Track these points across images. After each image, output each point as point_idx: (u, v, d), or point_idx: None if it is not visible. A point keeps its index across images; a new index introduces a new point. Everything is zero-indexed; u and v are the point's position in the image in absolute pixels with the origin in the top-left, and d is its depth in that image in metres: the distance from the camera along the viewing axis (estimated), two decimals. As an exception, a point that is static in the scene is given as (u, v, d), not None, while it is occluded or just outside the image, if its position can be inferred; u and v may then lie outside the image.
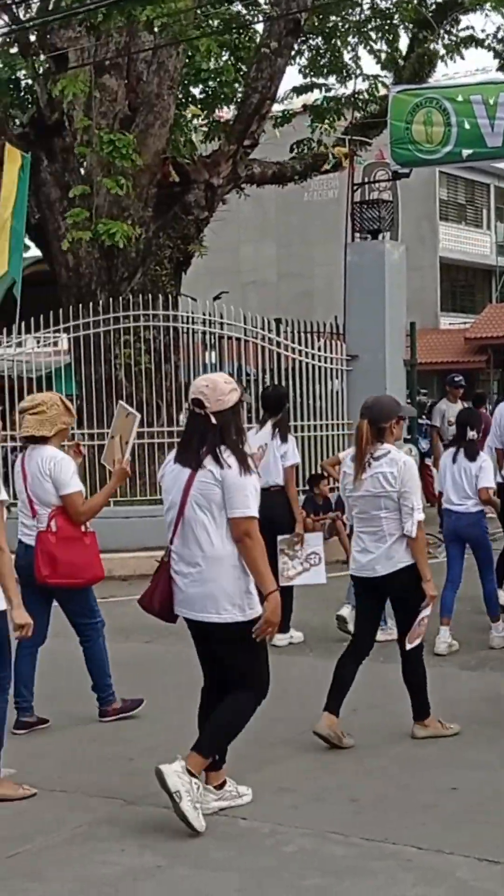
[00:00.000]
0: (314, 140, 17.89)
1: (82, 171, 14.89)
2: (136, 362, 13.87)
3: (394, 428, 6.37)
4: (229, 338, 14.53)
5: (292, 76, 67.23)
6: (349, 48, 18.05)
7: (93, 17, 13.31)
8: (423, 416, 17.97)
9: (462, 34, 18.14)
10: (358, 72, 18.00)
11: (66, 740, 6.66)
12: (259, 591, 5.17)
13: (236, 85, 16.54)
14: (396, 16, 17.57)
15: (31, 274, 15.31)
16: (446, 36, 18.14)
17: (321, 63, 18.00)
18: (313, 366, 14.62)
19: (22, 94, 15.70)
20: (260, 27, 16.49)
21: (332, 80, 18.20)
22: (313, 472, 13.51)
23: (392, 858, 4.80)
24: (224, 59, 16.55)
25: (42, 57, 14.85)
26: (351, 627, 8.43)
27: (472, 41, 18.06)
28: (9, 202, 13.03)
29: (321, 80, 18.12)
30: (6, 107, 15.17)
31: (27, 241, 14.94)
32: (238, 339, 14.51)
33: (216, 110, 17.29)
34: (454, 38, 18.18)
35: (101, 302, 13.88)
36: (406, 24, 17.72)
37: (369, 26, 17.86)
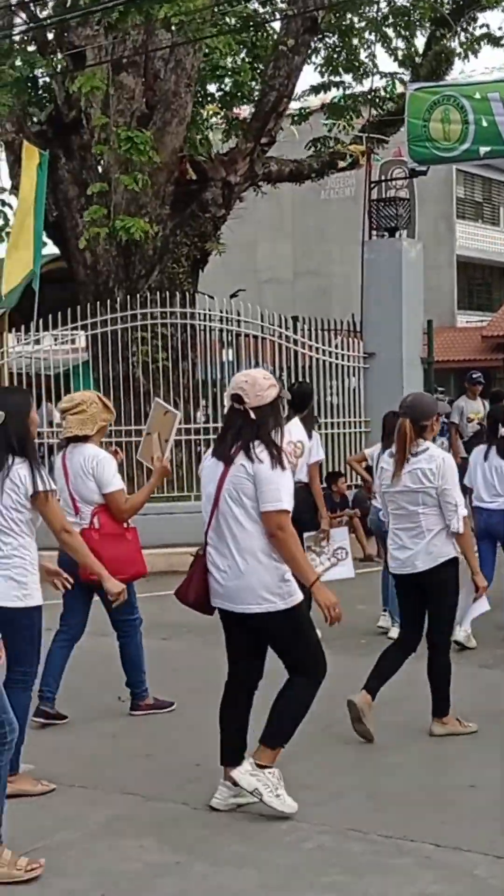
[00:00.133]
0: (331, 138, 17.87)
1: (100, 168, 14.92)
2: (153, 360, 13.89)
3: (434, 425, 6.48)
4: (246, 335, 14.54)
5: (309, 74, 67.25)
6: (366, 46, 18.03)
7: (110, 15, 13.33)
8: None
9: (478, 32, 18.11)
10: (375, 69, 17.99)
11: (85, 736, 6.68)
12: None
13: (253, 83, 16.53)
14: (414, 13, 17.52)
15: (49, 271, 15.34)
16: (463, 33, 18.10)
17: (338, 61, 17.98)
18: (330, 363, 14.62)
19: (40, 92, 15.73)
20: (277, 25, 16.49)
21: (348, 78, 18.19)
22: (330, 469, 13.52)
23: (411, 855, 4.81)
24: (241, 56, 16.55)
25: (60, 55, 14.89)
26: (393, 634, 8.47)
27: (489, 39, 18.02)
28: (28, 200, 13.07)
29: (338, 79, 18.09)
30: (24, 105, 15.20)
31: (44, 239, 14.97)
32: (255, 337, 14.51)
33: (234, 108, 17.28)
34: (470, 36, 18.14)
35: (118, 299, 13.90)
36: (423, 21, 17.69)
37: (386, 24, 17.83)
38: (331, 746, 6.20)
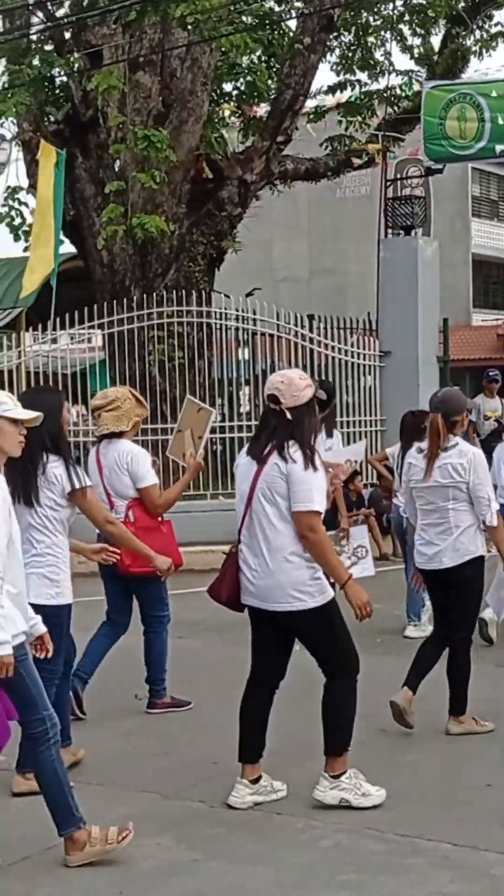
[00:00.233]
0: (348, 136, 17.87)
1: (116, 167, 14.94)
2: (169, 358, 13.91)
3: (464, 420, 6.56)
4: (262, 334, 14.56)
5: (324, 72, 67.17)
6: (381, 44, 18.01)
7: (128, 14, 13.36)
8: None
9: (494, 30, 18.09)
10: (391, 67, 17.98)
11: (102, 734, 6.69)
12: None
13: (269, 81, 16.54)
14: (429, 11, 17.51)
15: (66, 270, 15.36)
16: (479, 31, 18.08)
17: (353, 59, 17.97)
18: (346, 362, 14.62)
19: (57, 91, 15.77)
20: (292, 23, 16.49)
21: (364, 76, 18.18)
22: (346, 468, 13.48)
23: (427, 855, 4.81)
24: (257, 55, 16.56)
25: (77, 54, 14.92)
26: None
27: (504, 37, 18.02)
28: (46, 199, 13.12)
29: (353, 77, 18.09)
30: (41, 104, 15.25)
31: (61, 237, 15.01)
32: (271, 336, 14.52)
33: (250, 107, 17.29)
34: (486, 34, 18.12)
35: (134, 298, 13.93)
36: (439, 19, 17.67)
37: (402, 22, 17.82)
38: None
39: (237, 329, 14.44)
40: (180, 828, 5.13)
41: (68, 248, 16.86)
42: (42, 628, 4.91)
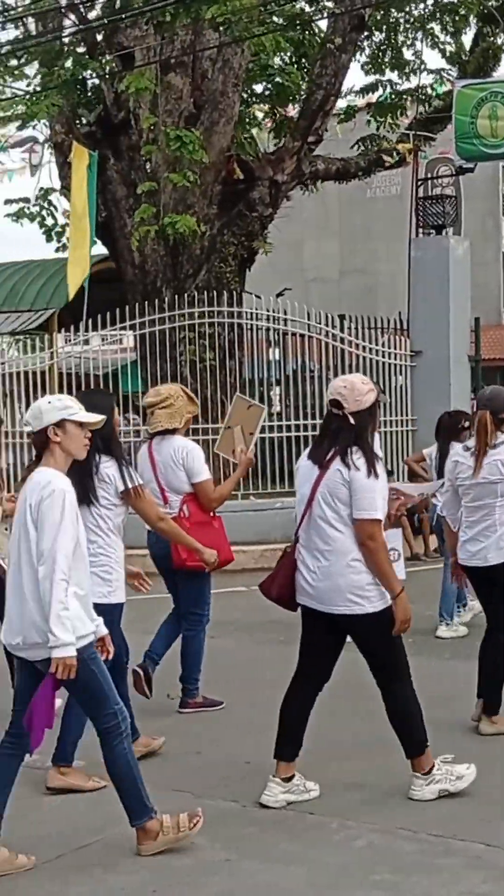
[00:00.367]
0: (379, 136, 17.84)
1: (148, 168, 14.99)
2: (200, 359, 13.94)
3: None
4: (293, 334, 14.57)
5: (354, 72, 67.03)
6: (412, 43, 17.98)
7: (161, 15, 13.41)
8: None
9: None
10: (422, 66, 17.94)
11: (135, 733, 6.71)
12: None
13: (300, 82, 16.54)
14: (460, 10, 17.47)
15: (98, 272, 15.45)
16: (510, 30, 18.01)
17: (383, 59, 17.94)
18: (377, 362, 14.60)
19: (89, 93, 15.84)
20: (323, 24, 16.48)
21: (394, 76, 18.15)
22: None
23: (460, 855, 4.81)
24: (288, 56, 16.57)
25: (109, 56, 14.98)
26: (440, 633, 8.48)
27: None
28: (80, 200, 13.19)
29: (383, 77, 18.05)
30: (73, 106, 15.32)
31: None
32: (302, 336, 14.53)
33: (281, 107, 17.29)
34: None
35: (166, 299, 13.97)
36: (470, 18, 17.61)
37: (433, 21, 17.77)
38: (382, 747, 6.19)
39: (268, 329, 14.45)
40: (213, 827, 5.14)
41: (99, 249, 16.97)
42: (104, 630, 4.97)
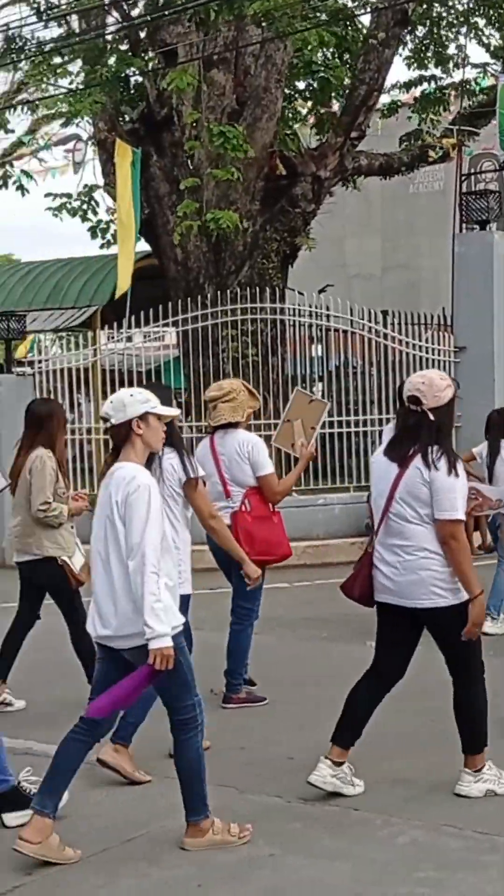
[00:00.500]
0: (423, 131, 17.77)
1: (190, 165, 15.02)
2: (242, 355, 13.96)
3: None
4: (335, 330, 14.54)
5: (396, 67, 66.70)
6: (455, 37, 17.87)
7: (202, 12, 13.43)
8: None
9: None
10: (466, 60, 17.83)
11: (179, 728, 6.72)
12: None
13: (344, 77, 16.50)
14: (505, 3, 17.37)
15: (140, 268, 15.48)
16: None
17: (426, 54, 17.86)
18: (420, 357, 14.54)
19: (132, 90, 15.89)
20: (366, 19, 16.44)
21: (437, 71, 18.05)
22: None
23: (505, 852, 4.79)
24: (331, 51, 16.53)
25: (151, 53, 15.03)
26: (487, 629, 8.45)
27: None
28: (126, 197, 13.24)
29: (427, 72, 17.97)
30: (116, 103, 15.37)
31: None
32: (344, 332, 14.50)
33: (324, 104, 17.26)
34: None
35: (208, 295, 13.99)
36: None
37: (477, 15, 17.67)
38: (428, 743, 6.19)
39: (310, 325, 14.44)
40: (257, 822, 5.14)
41: (142, 246, 17.03)
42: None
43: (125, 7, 15.79)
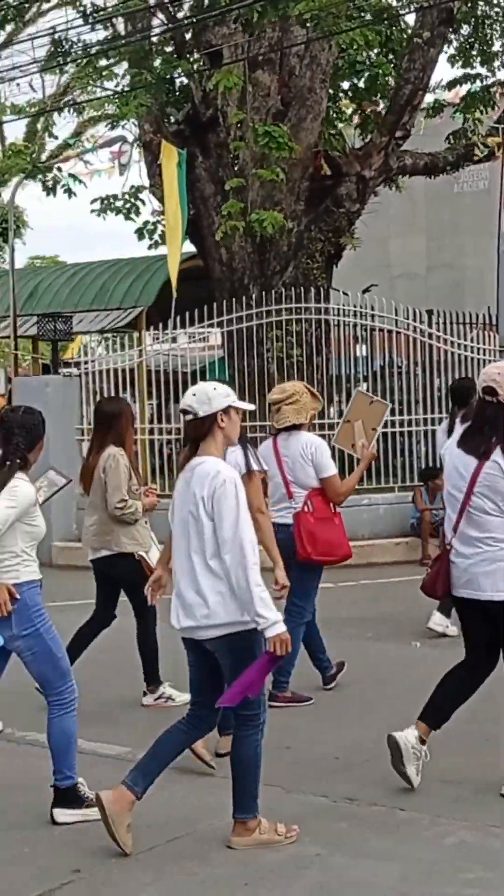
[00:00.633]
0: (469, 129, 17.67)
1: (235, 166, 15.04)
2: (287, 355, 13.96)
3: None
4: (380, 330, 14.51)
5: (440, 66, 66.31)
6: (500, 35, 17.74)
7: (248, 13, 13.45)
8: None
9: None
10: (511, 59, 17.70)
11: (225, 728, 6.75)
12: None
13: (388, 77, 16.45)
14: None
15: (185, 269, 15.52)
16: None
17: (471, 52, 17.75)
18: (466, 357, 14.47)
19: (177, 92, 15.94)
20: (410, 18, 16.38)
21: (482, 70, 17.92)
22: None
23: (553, 854, 4.77)
24: (376, 51, 16.48)
25: (197, 54, 15.07)
26: None
27: None
28: (173, 198, 13.30)
29: (472, 71, 17.85)
30: (162, 105, 15.42)
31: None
32: (389, 332, 14.47)
33: (370, 103, 17.20)
34: None
35: (253, 296, 14.01)
36: None
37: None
38: (476, 744, 6.16)
39: (355, 325, 14.42)
40: (303, 822, 5.15)
41: (187, 247, 17.07)
42: None
43: (170, 9, 15.83)
